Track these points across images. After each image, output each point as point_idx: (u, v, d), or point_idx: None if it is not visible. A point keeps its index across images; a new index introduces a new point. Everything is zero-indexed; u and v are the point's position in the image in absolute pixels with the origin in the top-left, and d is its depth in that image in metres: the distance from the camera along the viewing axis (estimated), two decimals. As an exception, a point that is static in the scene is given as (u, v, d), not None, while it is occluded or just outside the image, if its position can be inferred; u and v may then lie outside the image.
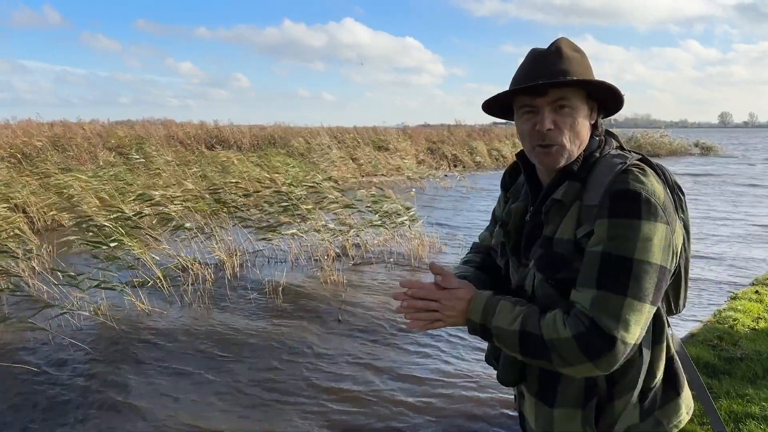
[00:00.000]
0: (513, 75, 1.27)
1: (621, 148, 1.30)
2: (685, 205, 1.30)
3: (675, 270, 1.22)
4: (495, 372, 1.40)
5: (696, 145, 34.23)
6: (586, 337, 1.09)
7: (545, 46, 1.27)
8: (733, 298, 5.72)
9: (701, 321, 5.10)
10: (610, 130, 1.33)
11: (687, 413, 1.34)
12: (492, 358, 1.41)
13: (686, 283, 1.34)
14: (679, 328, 5.00)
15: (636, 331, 1.10)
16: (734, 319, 4.90)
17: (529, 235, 1.30)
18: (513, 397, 1.50)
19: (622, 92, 1.24)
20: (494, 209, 1.57)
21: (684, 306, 1.39)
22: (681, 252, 1.24)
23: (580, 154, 1.24)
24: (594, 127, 1.28)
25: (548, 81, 1.17)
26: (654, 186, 1.14)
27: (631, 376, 1.22)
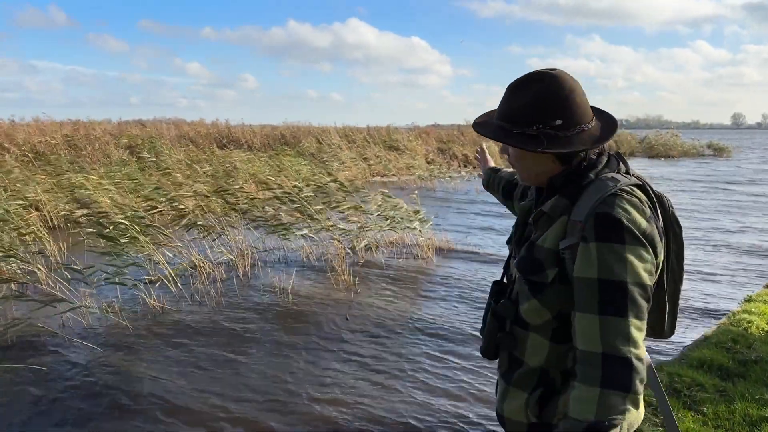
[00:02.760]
0: None
1: (627, 172, 1.34)
2: (681, 238, 1.38)
3: (652, 293, 1.28)
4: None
5: (709, 146, 33.98)
6: (607, 375, 1.15)
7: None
8: (747, 301, 5.67)
9: (715, 323, 5.06)
10: (621, 153, 1.38)
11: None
12: (482, 332, 1.52)
13: (674, 310, 1.45)
14: (692, 331, 4.97)
15: (642, 346, 1.18)
16: (748, 322, 4.85)
17: (525, 234, 1.43)
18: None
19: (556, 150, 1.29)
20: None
21: (672, 331, 1.48)
22: (667, 279, 1.36)
23: (560, 173, 1.33)
24: (567, 157, 1.33)
25: (484, 135, 1.38)
26: (635, 215, 1.20)
27: None
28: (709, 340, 4.54)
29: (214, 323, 5.13)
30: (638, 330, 1.17)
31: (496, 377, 1.48)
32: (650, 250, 1.20)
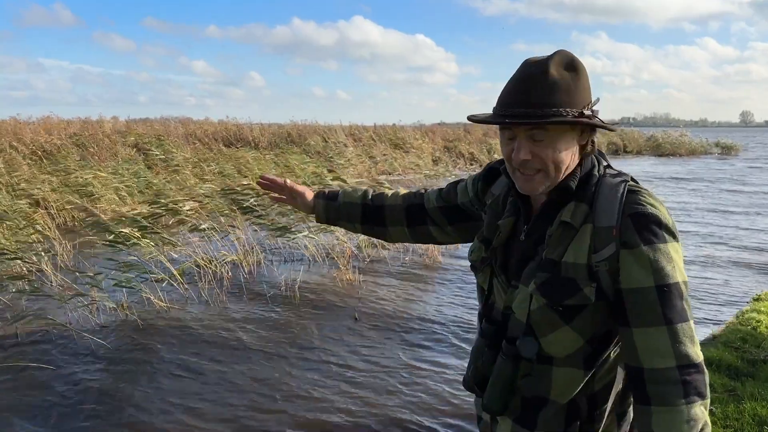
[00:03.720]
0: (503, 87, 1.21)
1: (609, 166, 1.26)
2: None
3: None
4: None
5: (717, 145, 33.73)
6: (687, 389, 1.07)
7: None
8: (756, 300, 5.63)
9: (723, 323, 5.02)
10: (600, 150, 1.28)
11: None
12: (474, 384, 1.33)
13: None
14: (700, 330, 4.93)
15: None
16: (757, 321, 4.81)
17: (521, 254, 1.25)
18: (477, 417, 1.44)
19: (601, 120, 1.19)
20: (453, 187, 1.57)
21: None
22: None
23: (575, 171, 1.20)
24: (585, 146, 1.22)
25: (515, 121, 1.13)
26: (662, 207, 1.14)
27: (611, 398, 1.24)
28: (717, 339, 4.51)
29: (221, 322, 5.13)
30: (695, 330, 1.12)
31: (478, 404, 1.34)
32: (679, 242, 1.16)
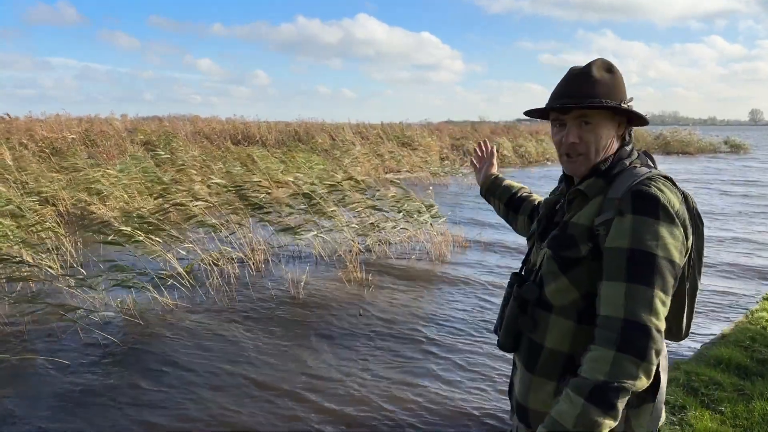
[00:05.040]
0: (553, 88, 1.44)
1: (653, 167, 1.41)
2: (702, 234, 1.40)
3: (680, 274, 1.29)
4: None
5: (726, 143, 33.49)
6: (626, 340, 1.17)
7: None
8: (766, 299, 5.59)
9: (733, 321, 4.99)
10: (649, 153, 1.46)
11: (657, 421, 1.37)
12: (498, 326, 1.51)
13: (692, 308, 1.45)
14: (710, 329, 4.90)
15: (663, 319, 1.20)
16: (767, 320, 4.78)
17: (554, 222, 1.46)
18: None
19: (641, 112, 1.39)
20: None
21: (688, 332, 1.48)
22: (688, 273, 1.37)
23: (609, 156, 1.39)
24: (623, 137, 1.42)
25: (570, 105, 1.36)
26: (670, 196, 1.26)
27: None
28: (727, 338, 4.48)
29: (227, 320, 5.15)
30: (662, 303, 1.20)
31: (496, 343, 1.50)
32: (682, 230, 1.25)
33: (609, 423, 1.17)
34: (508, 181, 1.99)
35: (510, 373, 1.58)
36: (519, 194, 1.91)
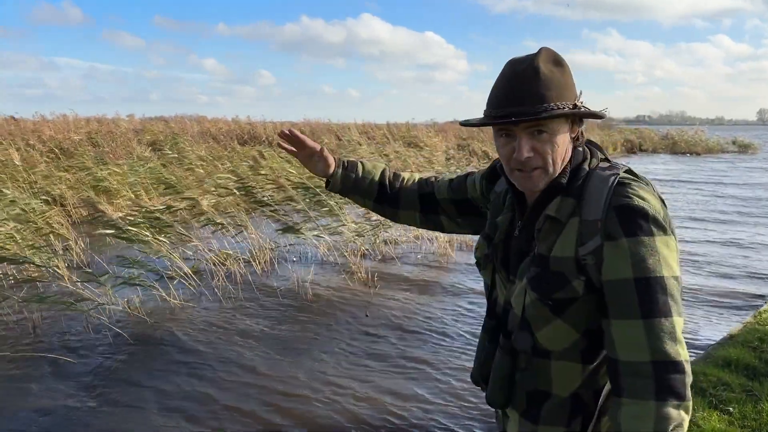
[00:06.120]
0: (491, 89, 1.21)
1: (606, 159, 1.25)
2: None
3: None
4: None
5: (733, 143, 33.33)
6: (662, 385, 1.05)
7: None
8: (774, 300, 5.56)
9: (741, 322, 4.96)
10: (592, 140, 1.28)
11: None
12: (480, 378, 1.36)
13: None
14: (717, 329, 4.88)
15: (685, 345, 1.09)
16: (775, 321, 4.75)
17: (517, 250, 1.26)
18: (495, 411, 1.45)
19: (597, 110, 1.20)
20: (462, 180, 1.57)
21: None
22: None
23: (566, 167, 1.20)
24: (576, 138, 1.23)
25: (520, 119, 1.12)
26: (653, 201, 1.12)
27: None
28: (735, 338, 4.46)
29: (233, 319, 5.16)
30: (681, 328, 1.08)
31: (485, 398, 1.34)
32: (673, 236, 1.12)
33: None
34: (362, 167, 1.65)
35: (496, 420, 1.43)
36: (389, 184, 1.64)
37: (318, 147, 1.62)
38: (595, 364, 1.20)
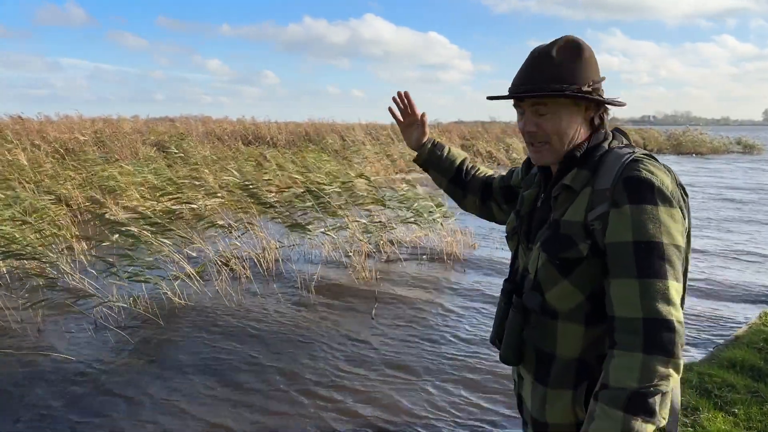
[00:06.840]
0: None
1: (628, 145, 1.34)
2: (688, 207, 1.31)
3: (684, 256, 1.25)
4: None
5: (738, 143, 33.23)
6: (650, 339, 1.11)
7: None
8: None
9: (746, 323, 4.95)
10: (621, 128, 1.38)
11: (675, 425, 1.31)
12: (495, 337, 1.46)
13: (685, 286, 1.33)
14: (722, 330, 4.86)
15: (680, 309, 1.15)
16: (781, 322, 4.73)
17: (539, 220, 1.38)
18: (513, 382, 1.53)
19: (599, 96, 1.30)
20: (511, 172, 1.72)
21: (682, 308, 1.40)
22: (687, 250, 1.28)
23: (582, 143, 1.31)
24: (594, 121, 1.33)
25: (520, 94, 1.30)
26: (662, 176, 1.20)
27: None
28: (740, 340, 4.44)
29: (237, 319, 5.17)
30: (677, 292, 1.14)
31: (498, 357, 1.42)
32: (679, 210, 1.19)
33: (651, 429, 1.12)
34: (448, 149, 1.84)
35: (513, 385, 1.52)
36: (466, 170, 1.81)
37: (420, 114, 1.82)
38: (598, 329, 1.25)
